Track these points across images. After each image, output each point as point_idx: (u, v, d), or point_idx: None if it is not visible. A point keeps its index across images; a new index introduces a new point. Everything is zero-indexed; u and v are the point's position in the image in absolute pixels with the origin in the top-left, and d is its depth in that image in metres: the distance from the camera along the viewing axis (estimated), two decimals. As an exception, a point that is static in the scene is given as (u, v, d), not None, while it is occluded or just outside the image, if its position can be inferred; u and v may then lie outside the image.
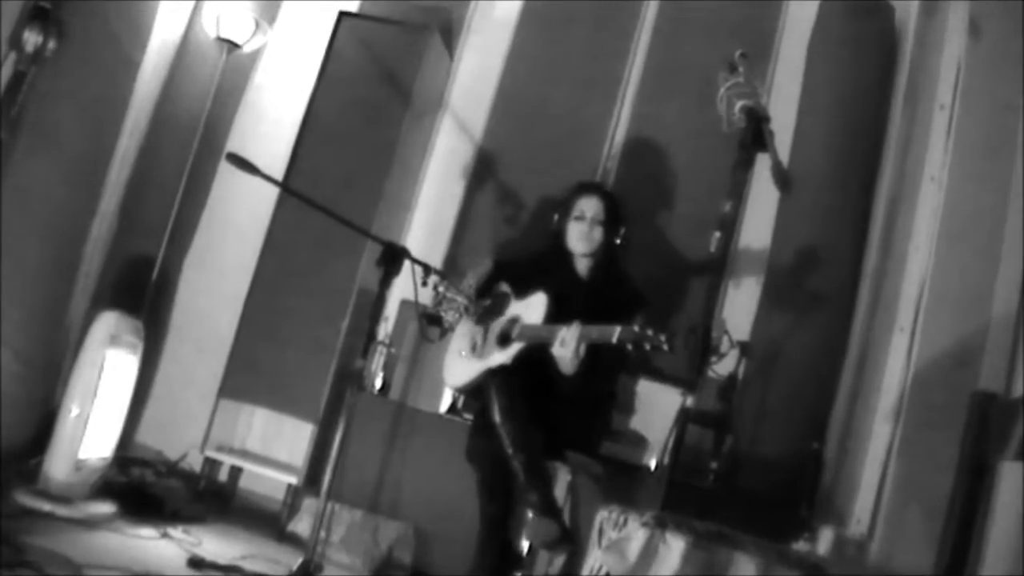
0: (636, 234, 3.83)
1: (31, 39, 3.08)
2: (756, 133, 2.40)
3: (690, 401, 2.55)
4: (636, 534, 2.15)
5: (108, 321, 3.48)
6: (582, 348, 3.20)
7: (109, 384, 3.52)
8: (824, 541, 3.56)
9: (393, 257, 3.10)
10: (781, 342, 4.22)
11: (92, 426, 3.45)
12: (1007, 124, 2.77)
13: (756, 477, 4.05)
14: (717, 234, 2.46)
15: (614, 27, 4.85)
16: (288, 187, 3.73)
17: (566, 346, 3.21)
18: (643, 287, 3.78)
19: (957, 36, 3.22)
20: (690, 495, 3.78)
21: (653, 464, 4.00)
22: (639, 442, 4.12)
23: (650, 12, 4.84)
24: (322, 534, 3.23)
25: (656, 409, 4.19)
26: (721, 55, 4.44)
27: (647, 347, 3.04)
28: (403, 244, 3.25)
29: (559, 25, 4.92)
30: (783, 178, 2.53)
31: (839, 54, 4.45)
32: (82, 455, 3.42)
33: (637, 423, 4.23)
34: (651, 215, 4.52)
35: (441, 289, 3.60)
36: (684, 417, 2.56)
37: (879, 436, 3.28)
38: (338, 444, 3.14)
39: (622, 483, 3.84)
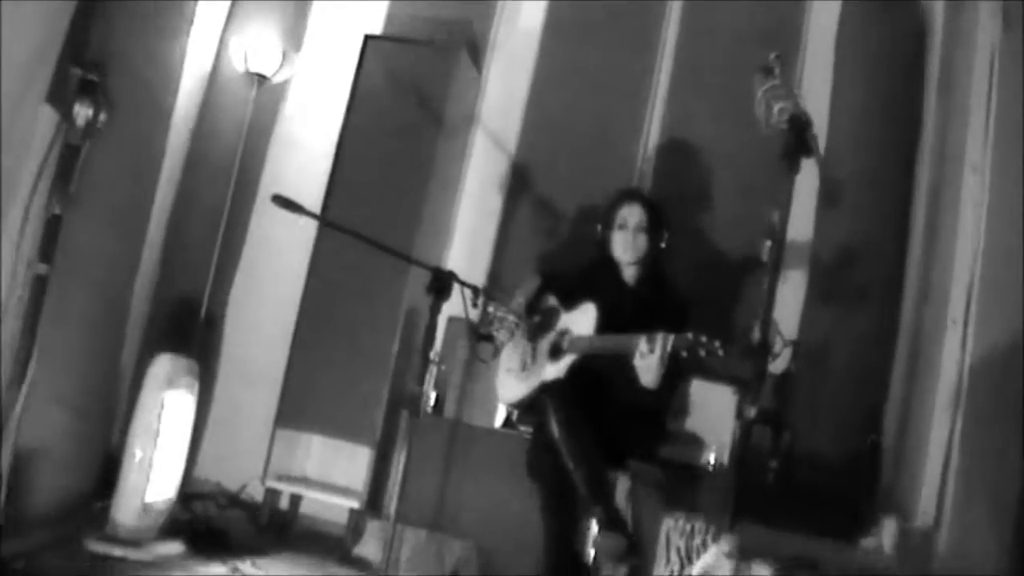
0: (676, 236, 3.82)
1: (82, 113, 3.10)
2: (800, 140, 2.38)
3: (753, 412, 2.52)
4: (722, 565, 2.15)
5: (164, 364, 3.54)
6: (666, 358, 3.16)
7: (169, 425, 3.56)
8: (888, 534, 3.54)
9: (442, 282, 3.11)
10: (830, 337, 4.21)
11: (156, 468, 3.50)
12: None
13: (815, 473, 4.05)
14: (768, 243, 2.44)
15: (639, 30, 4.84)
16: (333, 223, 3.75)
17: (651, 356, 3.17)
18: (686, 289, 3.80)
19: (990, 28, 3.20)
20: (751, 495, 3.78)
21: (712, 464, 4.00)
22: (695, 443, 4.11)
23: (674, 14, 4.83)
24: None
25: (710, 409, 4.16)
26: (748, 53, 4.49)
27: (702, 353, 3.05)
28: (447, 266, 3.27)
29: (584, 31, 4.91)
30: (831, 195, 2.53)
31: (867, 49, 4.44)
32: (148, 498, 3.47)
33: (692, 424, 4.22)
34: (690, 217, 4.50)
35: (491, 310, 3.61)
36: (749, 422, 2.56)
37: (939, 429, 3.27)
38: (400, 468, 3.16)
39: (682, 486, 3.84)
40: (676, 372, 3.50)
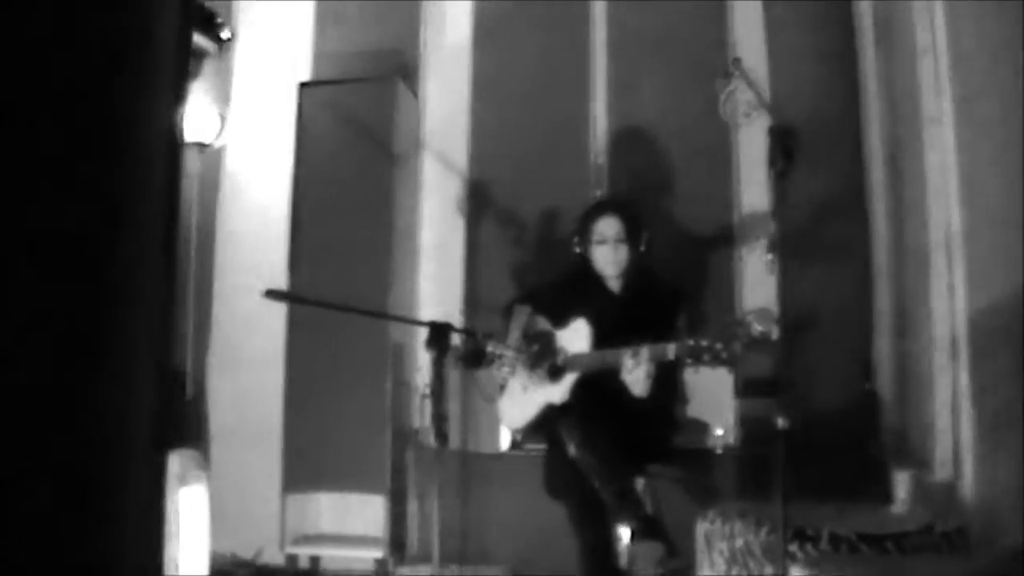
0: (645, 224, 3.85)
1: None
2: (784, 150, 2.41)
3: (783, 422, 2.57)
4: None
5: (172, 465, 3.47)
6: (652, 369, 3.23)
7: (189, 521, 3.51)
8: (902, 486, 3.63)
9: (441, 336, 3.09)
10: (810, 297, 4.27)
11: (183, 566, 3.45)
12: (1010, 63, 2.79)
13: (819, 432, 4.13)
14: (769, 256, 2.48)
15: (568, 23, 4.82)
16: (327, 303, 3.67)
17: (636, 370, 3.23)
18: (665, 276, 3.83)
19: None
20: (763, 467, 3.85)
21: (719, 447, 4.06)
22: (701, 428, 4.17)
23: (600, 5, 4.81)
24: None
25: (709, 391, 4.23)
26: (679, 23, 4.56)
27: (706, 359, 3.09)
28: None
29: (513, 36, 4.88)
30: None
31: (795, 6, 4.47)
32: (180, 593, 3.42)
33: (694, 410, 4.27)
34: (654, 200, 4.52)
35: (491, 348, 3.60)
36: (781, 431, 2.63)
37: (942, 381, 3.34)
38: (418, 511, 3.17)
39: (695, 472, 3.90)
40: (670, 374, 3.55)
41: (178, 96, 0.99)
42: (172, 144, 0.99)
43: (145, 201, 0.94)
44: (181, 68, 1.00)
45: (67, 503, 0.84)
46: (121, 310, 0.92)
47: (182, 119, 1.00)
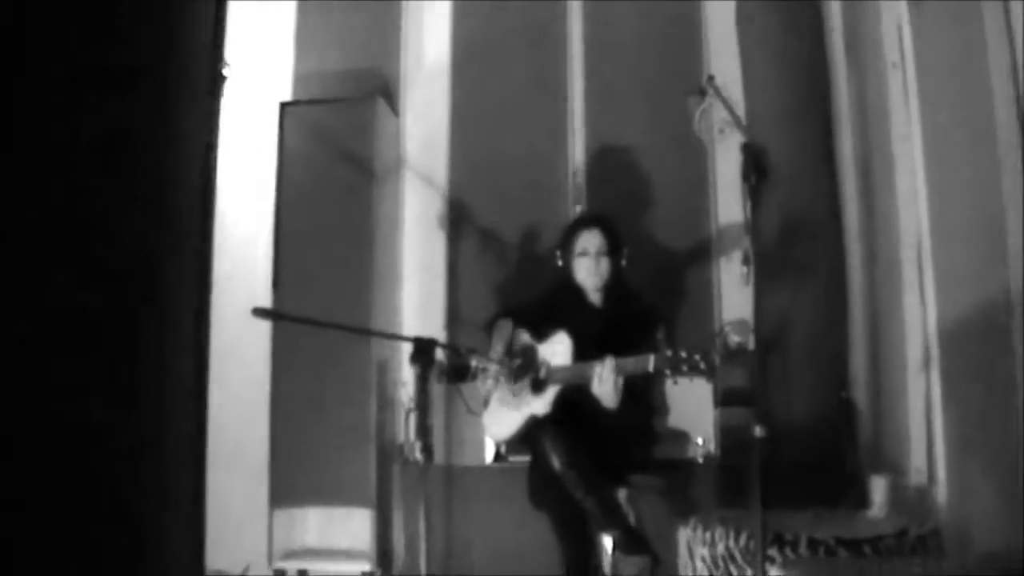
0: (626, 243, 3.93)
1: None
2: (757, 166, 2.50)
3: (759, 431, 2.64)
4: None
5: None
6: (620, 381, 3.31)
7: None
8: (878, 491, 3.72)
9: (425, 352, 3.14)
10: (785, 309, 4.35)
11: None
12: (973, 71, 2.89)
13: (796, 442, 4.21)
14: (744, 269, 2.56)
15: (545, 43, 4.93)
16: (313, 320, 3.66)
17: (604, 383, 3.32)
18: (644, 292, 3.91)
19: (893, 2, 3.35)
20: (743, 476, 3.92)
21: (700, 457, 4.12)
22: (681, 438, 4.23)
23: (576, 24, 4.92)
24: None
25: (688, 402, 4.29)
26: (653, 43, 4.67)
27: (685, 370, 3.16)
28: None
29: (492, 54, 4.97)
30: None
31: (766, 21, 4.56)
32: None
33: (674, 420, 4.34)
34: (633, 216, 4.61)
35: (475, 363, 3.67)
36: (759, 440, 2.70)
37: (915, 389, 3.43)
38: (405, 525, 3.20)
39: (676, 482, 3.96)
40: (643, 386, 3.62)
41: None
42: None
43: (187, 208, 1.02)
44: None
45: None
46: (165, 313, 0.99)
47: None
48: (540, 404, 3.58)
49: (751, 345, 3.63)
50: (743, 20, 4.61)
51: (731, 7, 4.66)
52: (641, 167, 4.68)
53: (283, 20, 5.01)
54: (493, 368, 3.69)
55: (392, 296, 4.69)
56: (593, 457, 3.36)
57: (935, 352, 3.22)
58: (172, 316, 1.06)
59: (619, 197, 4.69)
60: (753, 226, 2.59)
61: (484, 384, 3.74)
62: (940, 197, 3.18)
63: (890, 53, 3.46)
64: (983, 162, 2.85)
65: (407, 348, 3.17)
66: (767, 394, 4.14)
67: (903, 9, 3.24)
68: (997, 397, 2.73)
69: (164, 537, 1.02)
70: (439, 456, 4.23)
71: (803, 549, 2.92)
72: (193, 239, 1.08)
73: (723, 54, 4.66)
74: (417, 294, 4.84)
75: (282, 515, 4.37)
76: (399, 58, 5.04)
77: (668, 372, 3.18)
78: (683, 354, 3.16)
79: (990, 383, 2.86)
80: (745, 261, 2.61)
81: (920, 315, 3.39)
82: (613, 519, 3.31)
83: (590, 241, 3.72)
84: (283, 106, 4.59)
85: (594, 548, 3.47)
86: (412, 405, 4.29)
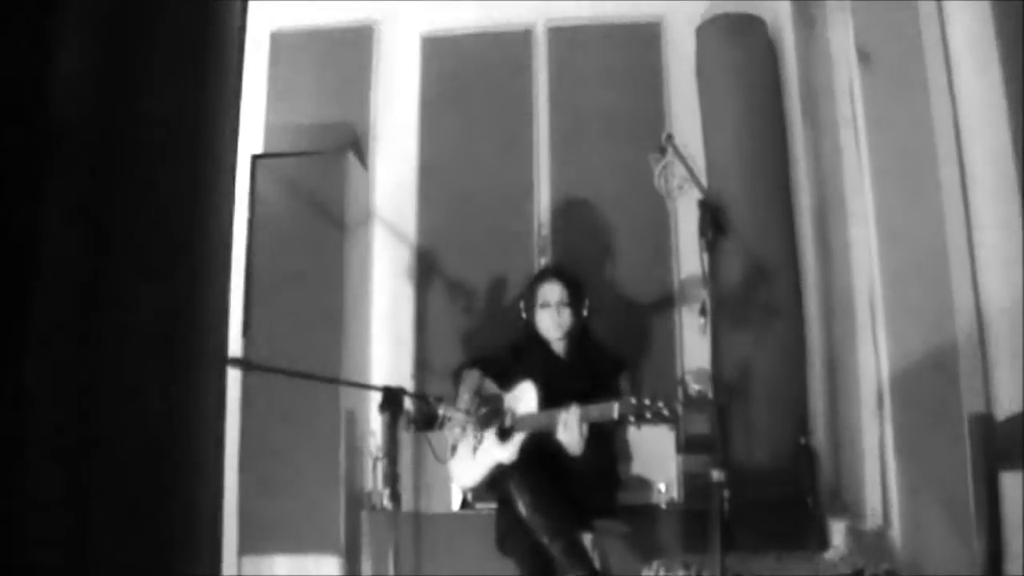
0: (589, 291, 4.03)
1: None
2: (715, 223, 2.61)
3: (718, 475, 2.74)
4: None
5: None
6: (584, 428, 3.41)
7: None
8: (837, 534, 3.82)
9: (394, 401, 3.21)
10: (745, 357, 4.47)
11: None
12: (922, 134, 3.04)
13: (758, 486, 4.30)
14: (702, 320, 2.67)
15: (511, 94, 5.09)
16: (283, 370, 3.74)
17: (569, 430, 3.41)
18: (610, 342, 4.03)
19: (845, 61, 3.50)
20: (706, 521, 3.99)
21: (663, 503, 4.20)
22: (644, 485, 4.31)
23: (541, 75, 5.08)
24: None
25: (650, 450, 4.38)
26: (615, 97, 4.82)
27: (648, 416, 3.26)
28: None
29: (459, 106, 5.11)
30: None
31: (725, 76, 4.73)
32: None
33: (637, 468, 4.42)
34: (597, 267, 4.73)
35: (442, 412, 3.74)
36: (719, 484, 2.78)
37: (869, 433, 3.55)
38: (372, 569, 3.24)
39: (641, 527, 4.03)
40: (606, 433, 3.71)
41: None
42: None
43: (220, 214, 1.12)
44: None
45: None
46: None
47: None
48: (506, 452, 3.65)
49: (710, 393, 3.72)
50: (703, 75, 4.77)
51: (691, 63, 4.84)
52: (606, 219, 4.82)
53: (255, 73, 5.11)
54: (460, 417, 3.75)
55: (361, 345, 4.76)
56: (558, 502, 3.43)
57: (887, 395, 3.34)
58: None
59: (584, 248, 4.82)
60: (710, 279, 2.69)
61: (451, 432, 3.81)
62: (892, 244, 3.31)
63: (843, 109, 3.62)
64: (930, 213, 2.99)
65: (376, 396, 3.25)
66: (728, 440, 4.27)
67: (854, 69, 3.39)
68: (946, 438, 2.84)
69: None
70: (407, 503, 4.26)
71: (763, 591, 2.99)
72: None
73: (684, 109, 4.82)
74: (386, 343, 4.91)
75: (250, 562, 4.38)
76: (369, 112, 5.17)
77: (632, 419, 3.28)
78: (647, 401, 3.27)
79: (939, 425, 2.98)
80: (702, 312, 2.71)
81: (873, 359, 3.51)
82: (579, 563, 3.37)
83: (551, 293, 3.83)
84: (255, 158, 4.67)
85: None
86: (380, 453, 4.34)
